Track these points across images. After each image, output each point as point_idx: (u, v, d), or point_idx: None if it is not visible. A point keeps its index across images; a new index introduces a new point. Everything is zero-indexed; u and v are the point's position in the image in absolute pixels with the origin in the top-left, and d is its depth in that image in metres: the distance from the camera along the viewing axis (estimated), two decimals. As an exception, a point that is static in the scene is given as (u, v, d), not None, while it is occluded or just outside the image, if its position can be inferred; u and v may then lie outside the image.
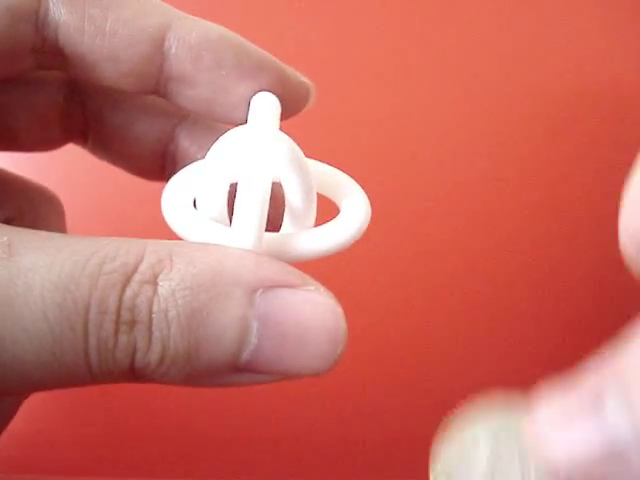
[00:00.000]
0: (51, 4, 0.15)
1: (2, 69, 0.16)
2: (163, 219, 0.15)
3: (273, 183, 0.15)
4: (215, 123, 0.18)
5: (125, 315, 0.12)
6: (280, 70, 0.17)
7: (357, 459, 0.40)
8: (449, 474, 0.12)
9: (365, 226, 0.16)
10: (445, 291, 0.41)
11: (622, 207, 0.12)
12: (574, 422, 0.10)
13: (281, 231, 0.17)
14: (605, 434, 0.09)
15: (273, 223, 0.16)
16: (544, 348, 0.41)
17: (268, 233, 0.15)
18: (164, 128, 0.18)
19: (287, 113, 0.17)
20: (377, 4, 0.43)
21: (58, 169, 0.33)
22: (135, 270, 0.12)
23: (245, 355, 0.13)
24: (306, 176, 0.15)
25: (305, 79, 0.18)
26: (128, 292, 0.12)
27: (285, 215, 0.16)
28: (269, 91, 0.17)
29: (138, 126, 0.18)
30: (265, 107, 0.16)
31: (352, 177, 0.17)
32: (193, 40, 0.16)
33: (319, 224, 0.16)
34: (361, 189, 0.17)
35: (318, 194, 0.16)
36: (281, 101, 0.17)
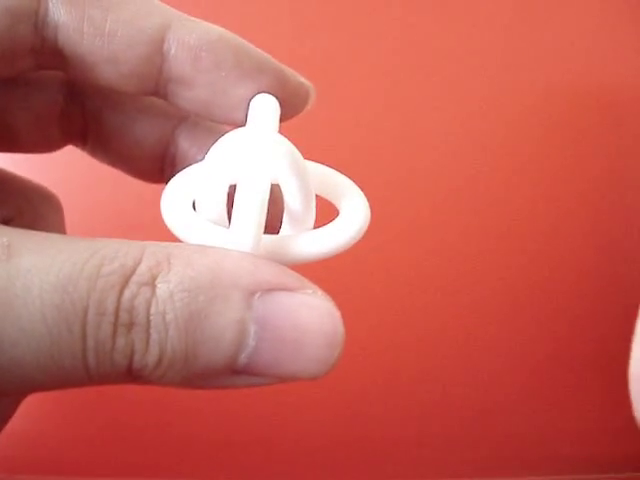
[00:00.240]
0: (50, 5, 0.15)
1: (1, 69, 0.16)
2: (162, 221, 0.15)
3: (272, 185, 0.15)
4: (215, 125, 0.18)
5: (123, 317, 0.12)
6: (280, 71, 0.17)
7: (357, 459, 0.40)
8: None
9: (364, 228, 0.16)
10: (445, 293, 0.41)
11: (632, 356, 0.12)
12: None
13: (280, 233, 0.17)
14: None
15: (272, 225, 0.16)
16: (545, 348, 0.41)
17: (267, 235, 0.14)
18: (163, 130, 0.18)
19: (287, 114, 0.17)
20: (376, 5, 0.43)
21: (57, 169, 0.33)
22: (133, 272, 0.12)
23: (242, 358, 0.13)
24: (304, 178, 0.15)
25: (305, 80, 0.18)
26: (126, 294, 0.12)
27: (284, 217, 0.16)
28: (269, 92, 0.17)
29: (137, 127, 0.18)
30: (264, 109, 0.16)
31: (351, 179, 0.17)
32: (192, 41, 0.16)
33: (318, 226, 0.16)
34: (360, 191, 0.17)
35: (317, 196, 0.16)
36: (281, 102, 0.17)
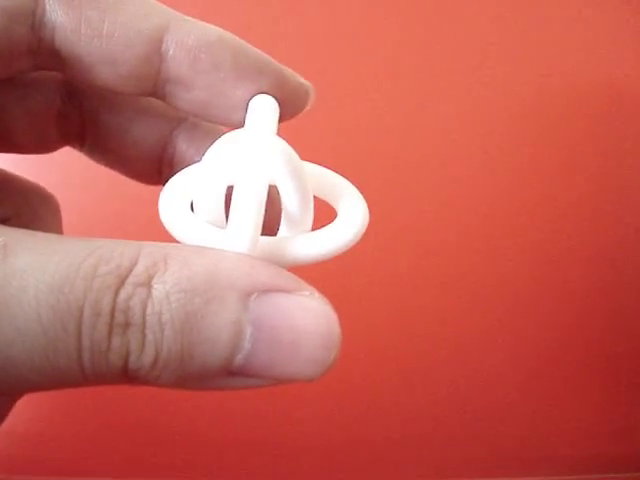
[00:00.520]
0: (48, 6, 0.15)
1: None
2: (160, 222, 0.15)
3: (270, 187, 0.15)
4: (213, 126, 0.18)
5: (119, 317, 0.12)
6: (279, 72, 0.17)
7: (357, 459, 0.40)
8: None
9: (363, 230, 0.16)
10: (444, 294, 0.41)
11: None
12: None
13: (278, 235, 0.17)
14: None
15: (270, 227, 0.16)
16: (545, 348, 0.41)
17: (264, 237, 0.14)
18: (162, 131, 0.18)
19: (286, 115, 0.17)
20: (376, 6, 0.43)
21: (55, 169, 0.33)
22: (129, 272, 0.12)
23: (238, 359, 0.13)
24: (302, 180, 0.15)
25: (304, 81, 0.18)
26: (122, 294, 0.12)
27: (282, 219, 0.16)
28: (268, 93, 0.17)
29: (135, 129, 0.18)
30: (263, 110, 0.16)
31: (350, 180, 0.17)
32: (191, 42, 0.16)
33: (316, 227, 0.16)
34: (359, 192, 0.16)
35: (315, 197, 0.16)
36: (280, 103, 0.17)
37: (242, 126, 0.16)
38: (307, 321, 0.13)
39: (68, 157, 0.20)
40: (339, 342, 0.13)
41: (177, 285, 0.12)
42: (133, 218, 0.37)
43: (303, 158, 0.15)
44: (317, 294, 0.13)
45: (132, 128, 0.18)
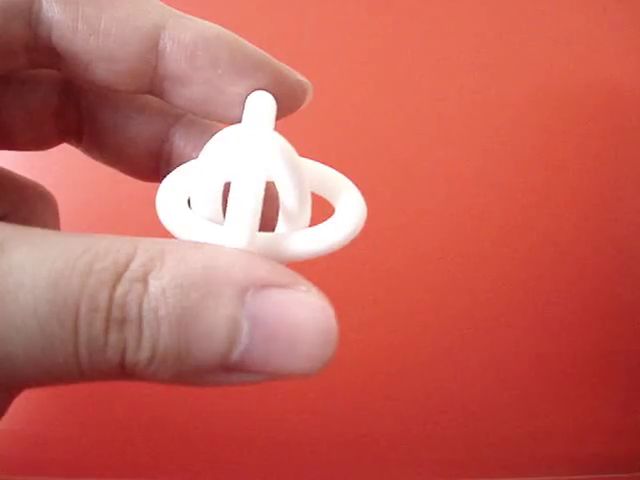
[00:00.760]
0: (44, 2, 0.15)
1: None
2: (157, 218, 0.15)
3: (267, 183, 0.15)
4: (210, 123, 0.18)
5: (115, 313, 0.12)
6: (277, 69, 0.17)
7: (357, 459, 0.40)
8: None
9: (360, 226, 0.16)
10: (441, 291, 0.41)
11: None
12: None
13: (275, 231, 0.17)
14: None
15: (267, 223, 0.16)
16: (545, 348, 0.41)
17: (262, 233, 0.14)
18: (159, 128, 0.18)
19: (284, 112, 0.17)
20: (372, 4, 0.43)
21: (53, 167, 0.33)
22: (126, 268, 0.12)
23: (235, 355, 0.13)
24: (299, 176, 0.15)
25: (302, 77, 0.18)
26: (119, 290, 0.12)
27: (279, 215, 0.16)
28: (265, 90, 0.17)
29: (133, 126, 0.18)
30: (260, 106, 0.16)
31: (347, 176, 0.17)
32: (188, 39, 0.16)
33: (314, 224, 0.16)
34: (356, 188, 0.17)
35: (313, 194, 0.16)
36: (277, 99, 0.17)
37: (239, 122, 0.16)
38: (304, 316, 0.13)
39: (65, 154, 0.20)
40: (336, 338, 0.13)
41: (173, 280, 0.12)
42: (130, 215, 0.37)
43: (301, 154, 0.15)
44: (314, 289, 0.13)
45: (129, 125, 0.18)
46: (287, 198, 0.15)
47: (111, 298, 0.12)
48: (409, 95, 0.42)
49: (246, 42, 0.17)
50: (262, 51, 0.17)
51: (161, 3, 0.17)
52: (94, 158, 0.19)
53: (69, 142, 0.19)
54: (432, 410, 0.41)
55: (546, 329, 0.41)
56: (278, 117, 0.17)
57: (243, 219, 0.14)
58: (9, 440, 0.37)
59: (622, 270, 0.42)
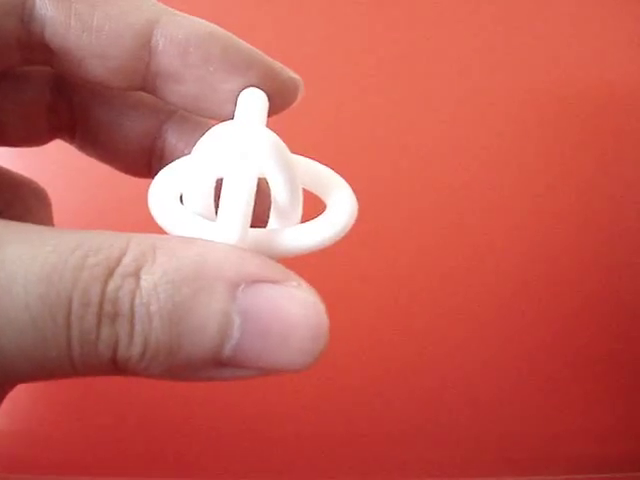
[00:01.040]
0: None
1: None
2: (150, 214, 0.15)
3: (259, 179, 0.15)
4: (203, 119, 0.19)
5: (107, 308, 0.12)
6: (269, 66, 0.17)
7: (356, 459, 0.40)
8: None
9: (351, 222, 0.16)
10: (434, 287, 0.41)
11: None
12: None
13: (267, 227, 0.17)
14: None
15: (259, 219, 0.16)
16: (545, 348, 0.41)
17: (254, 229, 0.15)
18: (151, 124, 0.18)
19: (276, 108, 0.17)
20: (373, 2, 0.43)
21: (46, 163, 0.33)
22: (118, 263, 0.12)
23: (227, 350, 0.13)
24: (291, 172, 0.15)
25: (294, 74, 0.18)
26: (111, 285, 0.12)
27: (271, 211, 0.16)
28: (257, 87, 0.17)
29: (125, 122, 0.18)
30: (252, 102, 0.16)
31: (339, 173, 0.17)
32: (181, 36, 0.16)
33: (306, 220, 0.16)
34: (348, 185, 0.17)
35: (304, 190, 0.16)
36: (269, 97, 0.17)
37: (232, 119, 0.16)
38: (295, 312, 0.13)
39: (59, 150, 0.20)
40: (327, 333, 0.13)
41: (165, 276, 0.12)
42: (123, 211, 0.37)
43: (292, 151, 0.15)
44: (305, 285, 0.13)
45: (122, 122, 0.18)
46: (279, 194, 0.15)
47: (103, 293, 0.12)
48: (406, 93, 0.42)
49: (239, 40, 0.17)
50: (254, 48, 0.17)
51: (154, 0, 0.17)
52: (87, 154, 0.19)
53: (62, 138, 0.19)
54: (431, 410, 0.41)
55: (545, 329, 0.41)
56: (270, 114, 0.17)
57: (235, 215, 0.14)
58: (8, 439, 0.37)
59: (622, 270, 0.42)
